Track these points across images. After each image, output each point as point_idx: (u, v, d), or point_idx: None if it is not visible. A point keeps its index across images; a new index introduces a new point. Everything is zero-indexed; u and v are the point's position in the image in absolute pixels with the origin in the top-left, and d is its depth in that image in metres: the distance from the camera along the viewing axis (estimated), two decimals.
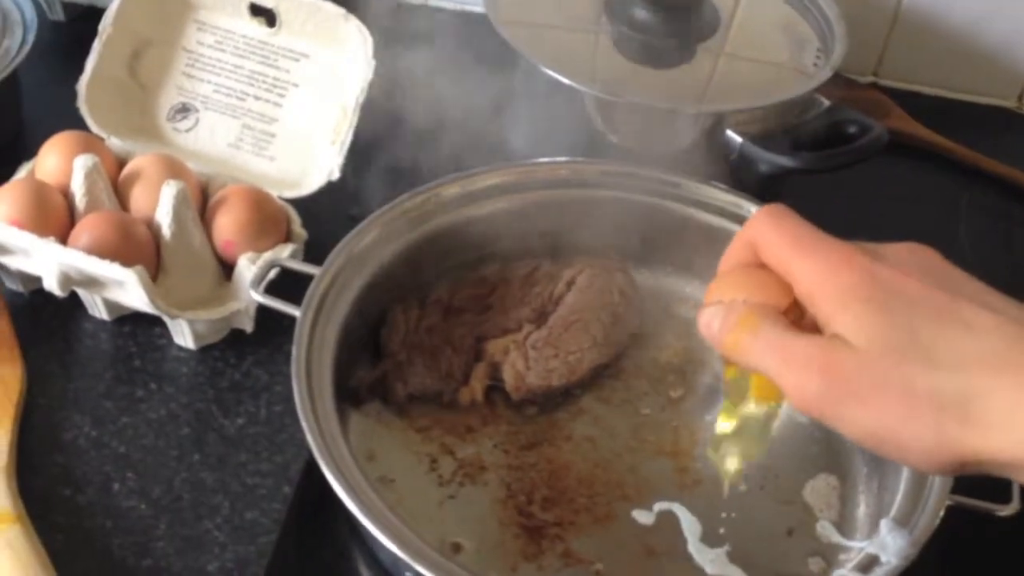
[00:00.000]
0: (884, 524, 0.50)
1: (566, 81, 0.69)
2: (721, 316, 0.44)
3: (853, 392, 0.39)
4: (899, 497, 0.52)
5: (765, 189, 0.66)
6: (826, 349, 0.40)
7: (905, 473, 0.53)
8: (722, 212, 0.65)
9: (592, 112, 0.71)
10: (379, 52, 0.69)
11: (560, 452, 0.59)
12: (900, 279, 0.40)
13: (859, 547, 0.51)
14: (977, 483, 0.51)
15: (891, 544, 0.49)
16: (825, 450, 0.60)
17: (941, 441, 0.38)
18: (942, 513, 0.50)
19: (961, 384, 0.37)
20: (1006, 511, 0.51)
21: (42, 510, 0.55)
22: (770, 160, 0.67)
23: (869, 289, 0.39)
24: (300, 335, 0.55)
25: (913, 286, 0.39)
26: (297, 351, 0.54)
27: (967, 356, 0.38)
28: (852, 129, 0.69)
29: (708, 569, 0.53)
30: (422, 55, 0.73)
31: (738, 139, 0.68)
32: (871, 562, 0.49)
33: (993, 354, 0.37)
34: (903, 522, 0.50)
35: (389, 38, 0.71)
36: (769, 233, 0.43)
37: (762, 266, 0.44)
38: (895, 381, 0.38)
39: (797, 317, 0.43)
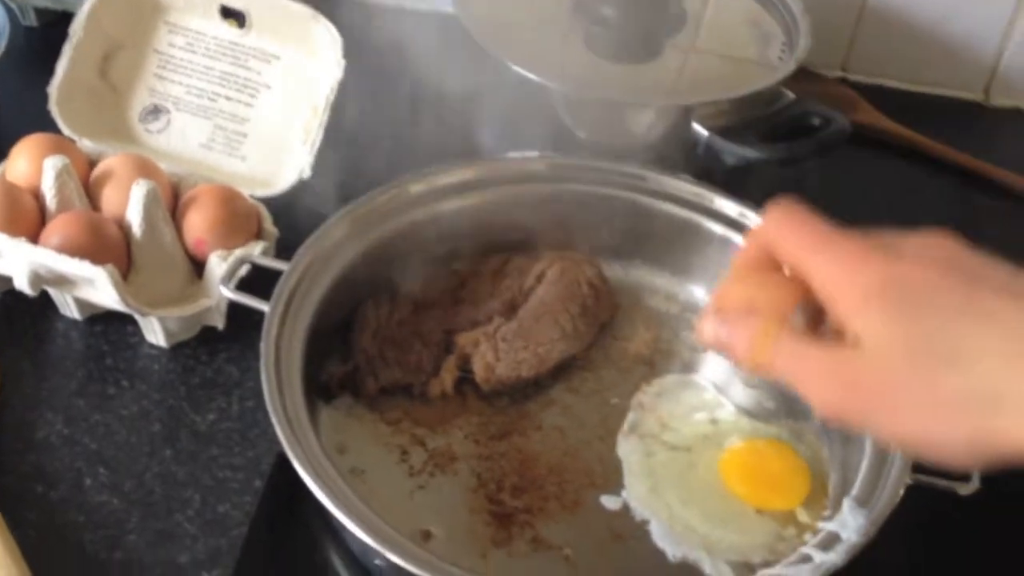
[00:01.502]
0: (846, 502, 0.51)
1: (535, 78, 0.69)
2: (733, 329, 0.43)
3: (878, 401, 0.38)
4: (861, 476, 0.52)
5: (731, 181, 0.67)
6: (845, 360, 0.39)
7: (867, 452, 0.54)
8: (689, 204, 0.66)
9: (561, 108, 0.71)
10: (349, 52, 0.70)
11: (530, 441, 0.60)
12: (919, 276, 0.38)
13: (822, 526, 0.52)
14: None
15: (851, 522, 0.49)
16: (790, 430, 0.60)
17: (975, 439, 0.37)
18: (902, 491, 0.50)
19: (990, 379, 0.36)
20: (966, 489, 0.51)
21: (14, 506, 0.55)
22: (735, 152, 0.68)
23: (888, 289, 0.38)
24: (268, 330, 0.56)
25: (932, 282, 0.38)
26: (266, 346, 0.55)
27: (993, 349, 0.36)
28: (816, 121, 0.70)
29: (673, 552, 0.54)
30: (391, 55, 0.73)
31: (704, 132, 0.68)
32: (833, 540, 0.49)
33: (1020, 342, 0.36)
34: (865, 500, 0.51)
35: (359, 38, 0.72)
36: (784, 232, 0.42)
37: (775, 267, 0.43)
38: (918, 386, 0.37)
39: (815, 316, 0.42)
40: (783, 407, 0.62)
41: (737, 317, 0.43)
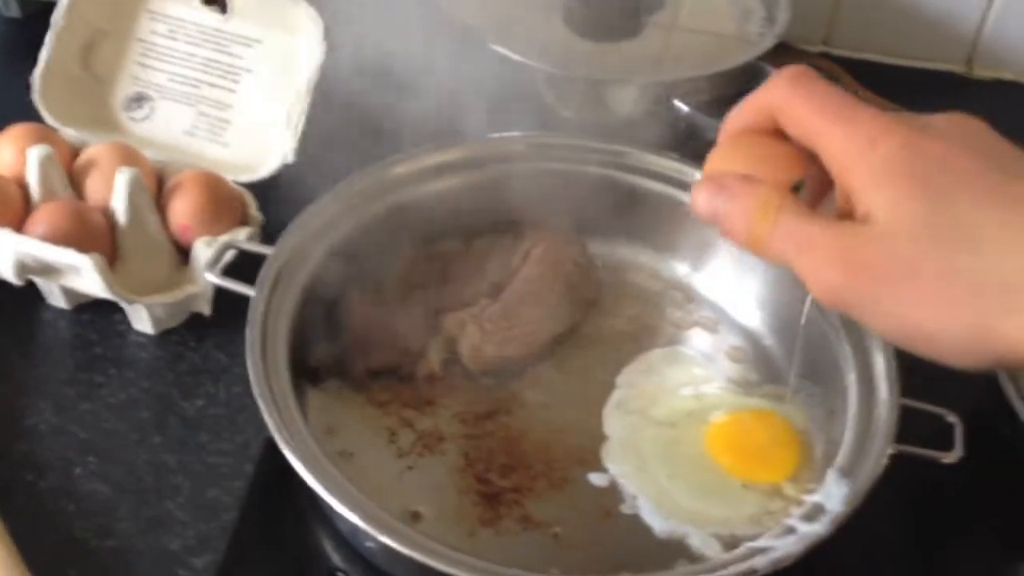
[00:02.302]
0: (830, 473, 0.51)
1: (516, 57, 0.69)
2: (729, 198, 0.39)
3: (881, 280, 0.36)
4: (844, 447, 0.53)
5: None
6: (854, 239, 0.36)
7: (850, 423, 0.54)
8: (671, 181, 0.66)
9: (543, 87, 0.72)
10: (330, 34, 0.70)
11: (517, 420, 0.60)
12: (947, 154, 0.36)
13: (807, 498, 0.52)
14: (921, 431, 0.53)
15: (836, 492, 0.50)
16: (775, 402, 0.61)
17: (977, 333, 0.35)
18: (885, 461, 0.51)
19: (1008, 270, 0.34)
20: (949, 458, 0.52)
21: (4, 495, 0.55)
22: (717, 127, 0.67)
23: (910, 163, 0.35)
24: (254, 314, 0.56)
25: (961, 162, 0.35)
26: (251, 330, 0.55)
27: (1018, 241, 0.34)
28: None
29: (660, 527, 0.54)
30: (373, 37, 0.73)
31: (685, 108, 0.69)
32: (817, 511, 0.50)
33: None
34: (849, 471, 0.51)
35: (339, 19, 0.72)
36: (794, 98, 0.38)
37: (773, 135, 0.40)
38: (931, 266, 0.35)
39: (817, 193, 0.40)
40: (768, 380, 0.62)
41: (735, 184, 0.40)
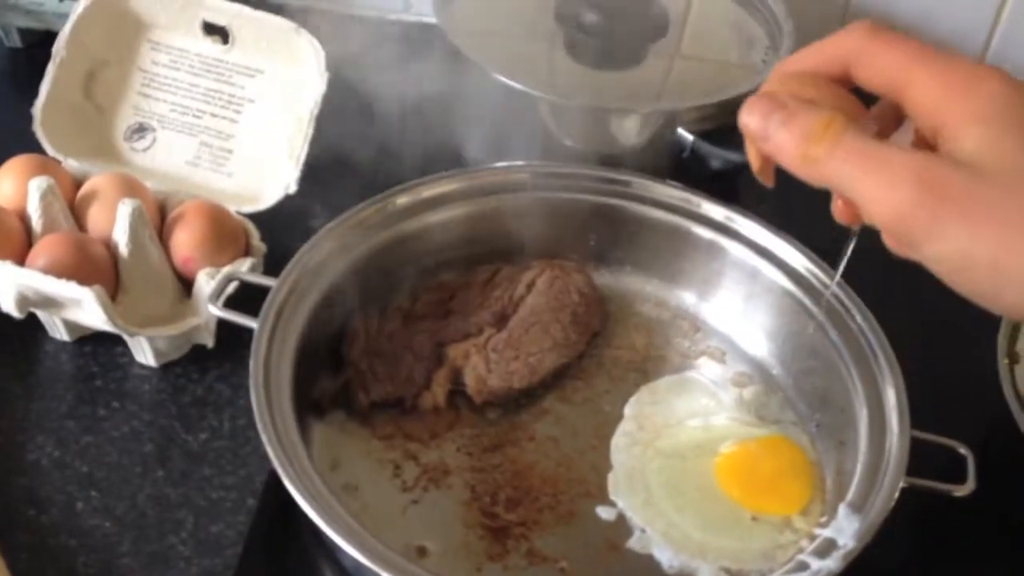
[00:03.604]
0: (841, 508, 0.51)
1: (519, 87, 0.69)
2: (789, 115, 0.38)
3: (955, 206, 0.35)
4: (856, 480, 0.52)
5: (717, 184, 0.67)
6: (932, 160, 0.35)
7: (861, 455, 0.54)
8: (676, 209, 0.66)
9: (546, 116, 0.71)
10: (332, 64, 0.70)
11: (523, 453, 0.59)
12: None
13: (818, 532, 0.52)
14: (932, 463, 0.52)
15: (847, 528, 0.49)
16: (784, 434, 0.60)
17: None
18: (897, 495, 0.50)
19: None
20: (962, 491, 0.52)
21: (5, 530, 0.55)
22: (721, 156, 0.68)
23: (1015, 105, 0.35)
24: (257, 347, 0.55)
25: None
26: (255, 363, 0.55)
27: None
28: None
29: (668, 561, 0.54)
30: (376, 66, 0.73)
31: (689, 137, 0.68)
32: (829, 546, 0.49)
33: None
34: (860, 506, 0.50)
35: (342, 50, 0.72)
36: (875, 44, 0.38)
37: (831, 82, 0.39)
38: (1015, 203, 0.34)
39: (883, 131, 0.39)
40: (776, 409, 0.62)
41: (796, 103, 0.38)
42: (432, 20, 0.76)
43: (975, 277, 0.36)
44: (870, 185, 0.36)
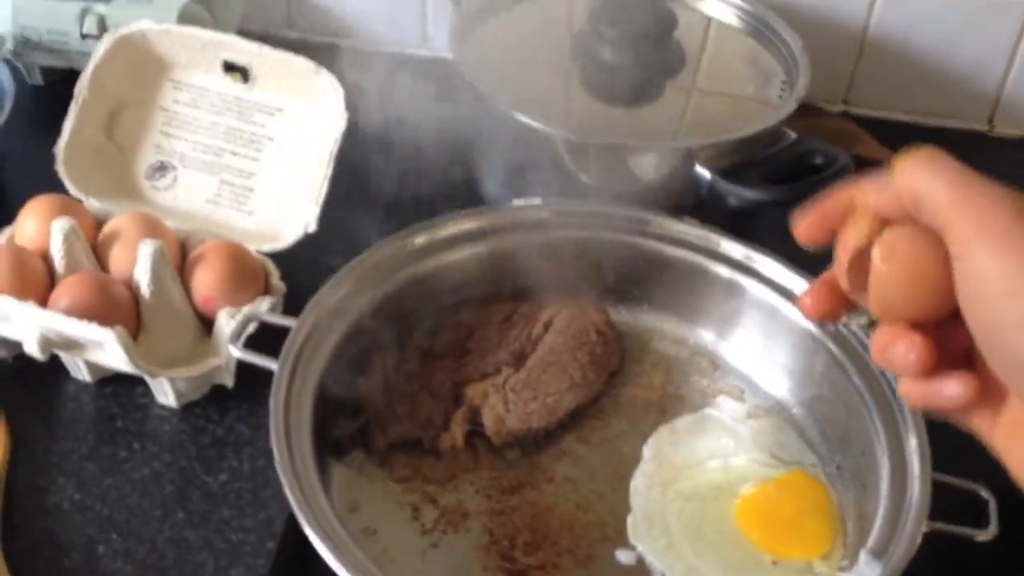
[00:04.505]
0: (862, 554, 0.50)
1: (536, 125, 0.69)
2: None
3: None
4: (877, 525, 0.52)
5: (736, 222, 0.67)
6: None
7: (883, 499, 0.53)
8: (695, 248, 0.66)
9: (563, 153, 0.72)
10: (351, 101, 0.70)
11: (542, 495, 0.59)
12: None
13: None
14: (954, 507, 0.52)
15: (869, 573, 0.49)
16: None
17: None
18: (919, 540, 0.50)
19: None
20: (984, 535, 0.51)
21: (27, 573, 0.55)
22: (739, 194, 0.67)
23: None
24: (277, 390, 0.56)
25: None
26: (275, 406, 0.55)
27: None
28: (819, 160, 0.70)
29: None
30: (394, 102, 0.74)
31: (707, 174, 0.68)
32: None
33: None
34: (881, 551, 0.50)
35: (361, 86, 0.72)
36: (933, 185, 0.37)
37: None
38: None
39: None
40: (796, 449, 0.61)
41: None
42: (450, 55, 0.76)
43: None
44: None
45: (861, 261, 0.39)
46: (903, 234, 0.38)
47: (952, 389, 0.38)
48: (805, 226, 0.42)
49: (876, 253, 0.38)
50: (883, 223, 0.39)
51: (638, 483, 0.59)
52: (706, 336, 0.67)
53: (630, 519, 0.58)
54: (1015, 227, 0.35)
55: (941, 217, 0.37)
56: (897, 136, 0.86)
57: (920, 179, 0.38)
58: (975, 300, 0.36)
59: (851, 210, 0.40)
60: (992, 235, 0.35)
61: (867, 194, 0.40)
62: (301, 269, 0.69)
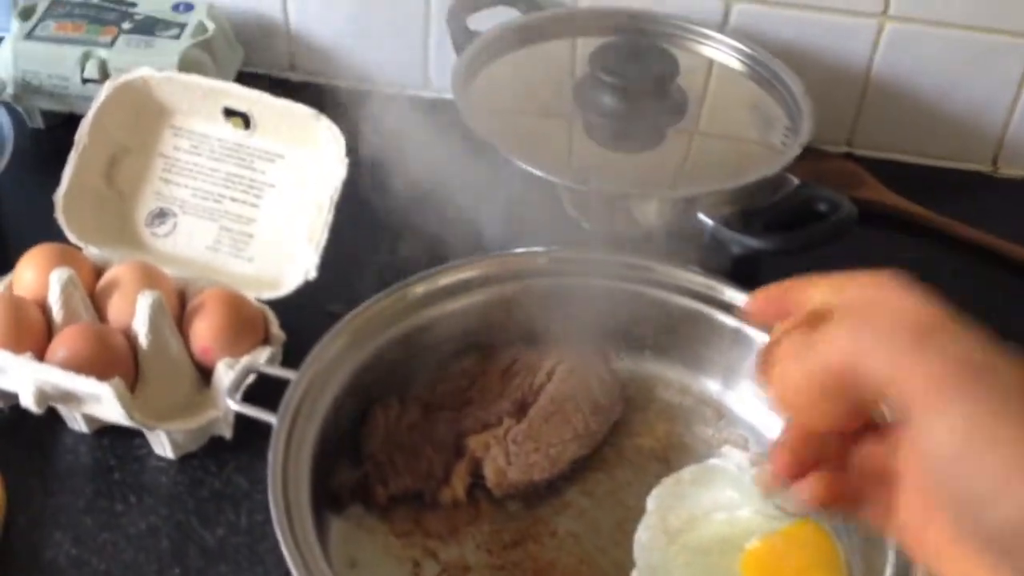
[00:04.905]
0: None
1: (537, 172, 0.69)
2: None
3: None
4: None
5: (739, 270, 0.67)
6: None
7: (890, 555, 0.53)
8: (698, 296, 0.65)
9: (565, 200, 0.71)
10: (352, 144, 0.70)
11: (544, 549, 0.58)
12: None
13: None
14: None
15: None
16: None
17: None
18: None
19: None
20: None
21: None
22: (742, 242, 0.67)
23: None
24: (276, 445, 0.55)
25: None
26: (273, 463, 0.54)
27: None
28: (822, 207, 0.69)
29: None
30: (394, 152, 0.73)
31: (709, 222, 0.68)
32: None
33: None
34: None
35: (361, 129, 0.72)
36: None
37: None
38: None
39: None
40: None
41: None
42: (451, 96, 0.76)
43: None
44: None
45: (769, 355, 0.39)
46: (800, 343, 0.37)
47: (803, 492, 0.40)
48: (755, 302, 0.42)
49: (775, 353, 0.38)
50: (815, 322, 0.37)
51: (642, 537, 0.59)
52: (711, 385, 0.66)
53: (635, 575, 0.57)
54: (956, 396, 0.33)
55: (882, 389, 0.35)
56: (901, 177, 0.86)
57: (854, 349, 0.35)
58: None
59: (799, 302, 0.40)
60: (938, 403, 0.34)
61: (813, 293, 0.39)
62: (301, 316, 0.69)
